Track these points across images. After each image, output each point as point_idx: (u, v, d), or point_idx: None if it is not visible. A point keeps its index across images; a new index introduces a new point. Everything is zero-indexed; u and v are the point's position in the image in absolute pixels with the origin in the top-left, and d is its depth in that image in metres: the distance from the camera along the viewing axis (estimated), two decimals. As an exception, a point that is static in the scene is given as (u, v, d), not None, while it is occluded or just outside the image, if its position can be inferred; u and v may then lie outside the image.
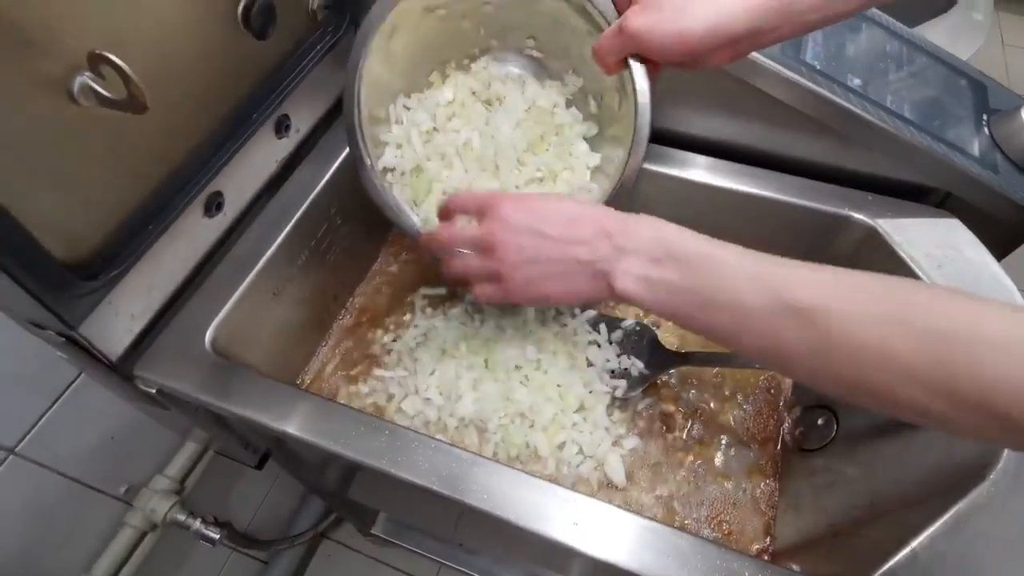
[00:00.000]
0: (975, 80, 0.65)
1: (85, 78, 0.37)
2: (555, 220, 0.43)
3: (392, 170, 0.58)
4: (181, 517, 0.82)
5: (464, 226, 0.48)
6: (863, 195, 0.59)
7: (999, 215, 0.58)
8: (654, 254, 0.39)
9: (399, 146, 0.58)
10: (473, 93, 0.60)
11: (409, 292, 0.73)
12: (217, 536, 0.82)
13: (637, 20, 0.42)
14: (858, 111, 0.55)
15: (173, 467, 0.86)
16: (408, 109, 0.59)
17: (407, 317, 0.70)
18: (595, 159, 0.58)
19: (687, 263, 0.38)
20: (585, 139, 0.59)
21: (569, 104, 0.59)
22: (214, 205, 0.54)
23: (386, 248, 0.77)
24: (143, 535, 0.82)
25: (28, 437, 0.68)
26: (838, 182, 0.60)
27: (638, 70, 0.47)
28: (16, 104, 0.35)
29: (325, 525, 1.21)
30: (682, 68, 0.45)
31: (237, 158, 0.54)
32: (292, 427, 0.46)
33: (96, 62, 0.36)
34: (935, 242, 0.55)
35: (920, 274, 0.53)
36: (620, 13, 0.46)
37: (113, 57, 0.35)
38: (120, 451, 0.80)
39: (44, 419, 0.69)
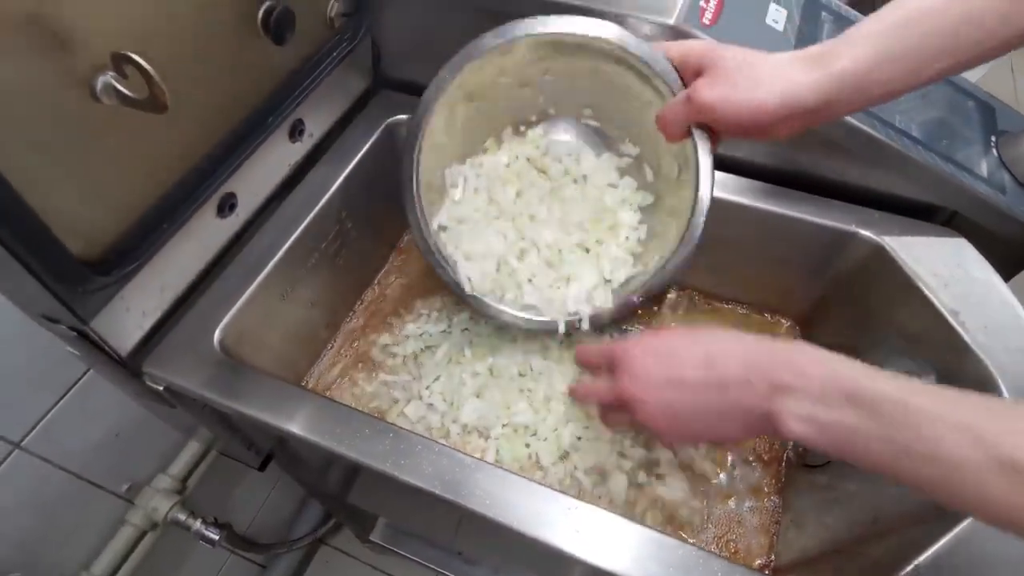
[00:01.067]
0: (983, 102, 0.65)
1: (108, 77, 0.37)
2: (692, 363, 0.39)
3: (445, 229, 0.60)
4: (182, 517, 0.82)
5: (599, 384, 0.46)
6: (871, 212, 0.59)
7: (1006, 235, 0.58)
8: (826, 395, 0.35)
9: (455, 205, 0.60)
10: (528, 160, 0.61)
11: (416, 297, 0.73)
12: (217, 537, 0.82)
13: (709, 92, 0.43)
14: (867, 130, 0.56)
15: (176, 466, 0.86)
16: (464, 173, 0.60)
17: (413, 322, 0.71)
18: (642, 231, 0.59)
19: (873, 409, 0.33)
20: (640, 208, 0.60)
21: (623, 173, 0.60)
22: (227, 206, 0.54)
23: (395, 254, 0.78)
24: (143, 534, 0.82)
25: (34, 432, 0.69)
26: (846, 199, 0.61)
27: (702, 141, 0.48)
28: (41, 102, 0.36)
29: (324, 531, 1.20)
30: (746, 137, 0.45)
31: (251, 160, 0.55)
32: (296, 427, 0.47)
33: (119, 62, 0.37)
34: (942, 261, 0.55)
35: (927, 292, 0.53)
36: (686, 83, 0.47)
37: (136, 57, 0.36)
38: (124, 449, 0.80)
39: (50, 415, 0.69)
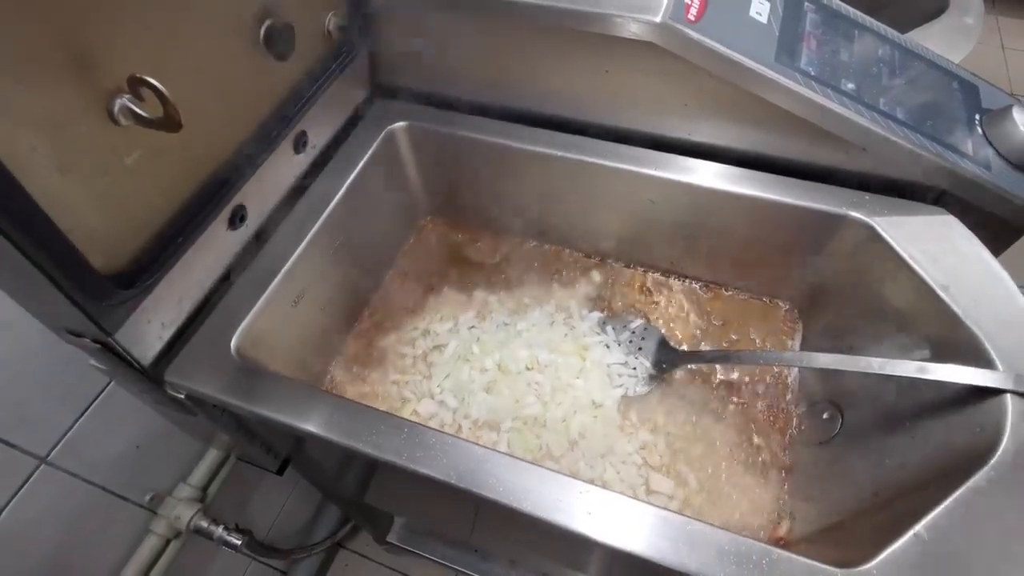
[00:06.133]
0: (967, 82, 0.67)
1: (125, 100, 0.40)
2: None
3: None
4: (204, 524, 0.84)
5: None
6: (860, 195, 0.61)
7: (994, 211, 0.59)
8: None
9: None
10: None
11: (423, 298, 0.75)
12: (239, 542, 0.84)
13: None
14: (852, 115, 0.58)
15: (196, 475, 0.88)
16: None
17: (422, 322, 0.73)
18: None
19: None
20: None
21: None
22: (238, 218, 0.56)
23: (401, 256, 0.80)
24: (167, 542, 0.84)
25: (59, 447, 0.71)
26: (836, 183, 0.62)
27: None
28: (65, 127, 0.38)
29: (342, 535, 1.22)
30: None
31: (259, 173, 0.57)
32: (314, 426, 0.49)
33: (136, 84, 0.39)
34: (932, 238, 0.57)
35: (917, 269, 0.55)
36: None
37: (152, 80, 0.38)
38: (145, 460, 0.82)
39: (74, 429, 0.71)
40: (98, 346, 0.47)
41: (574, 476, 0.60)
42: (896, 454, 0.52)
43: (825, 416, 0.59)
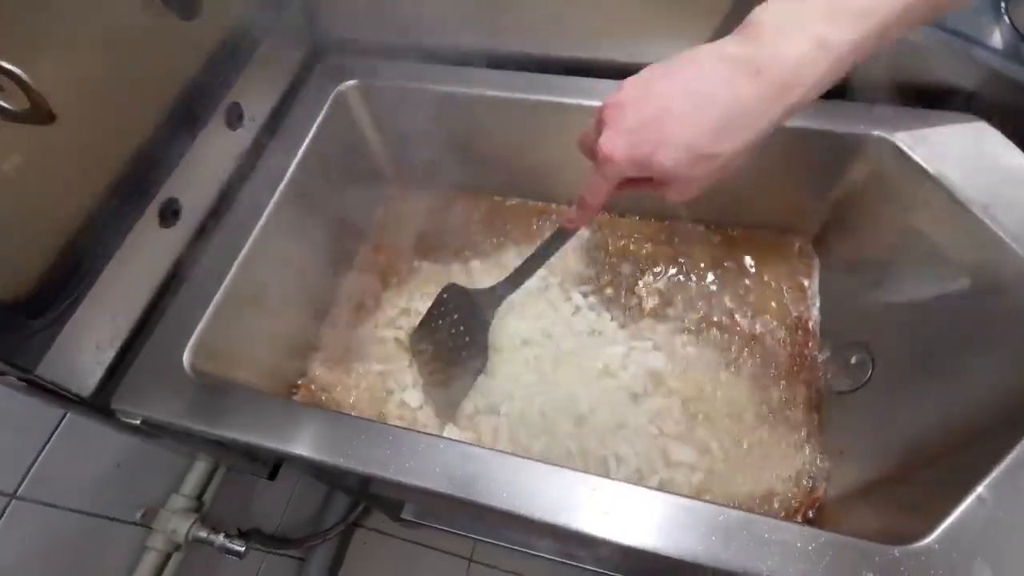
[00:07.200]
0: (989, -38, 0.58)
1: (-21, 91, 0.32)
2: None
3: None
4: (203, 534, 0.80)
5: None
6: (879, 109, 0.54)
7: (1032, 111, 0.52)
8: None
9: None
10: None
11: (400, 274, 0.68)
12: (243, 548, 0.80)
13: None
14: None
15: (188, 485, 0.83)
16: None
17: (401, 299, 0.66)
18: None
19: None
20: None
21: None
22: (170, 213, 0.49)
23: (371, 231, 0.73)
24: (168, 556, 0.81)
25: (27, 479, 0.65)
26: (848, 98, 0.55)
27: None
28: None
29: (355, 515, 1.20)
30: None
31: (187, 158, 0.49)
32: (290, 446, 0.43)
33: (-12, 71, 0.31)
34: (965, 151, 0.50)
35: (951, 189, 0.48)
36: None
37: (5, 63, 0.30)
38: (130, 477, 0.77)
39: (41, 458, 0.66)
40: (24, 384, 0.41)
41: (585, 454, 0.55)
42: (940, 399, 0.46)
43: (854, 361, 0.54)
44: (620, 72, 0.57)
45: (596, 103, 0.57)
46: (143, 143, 0.45)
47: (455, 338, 0.58)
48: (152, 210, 0.47)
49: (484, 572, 1.25)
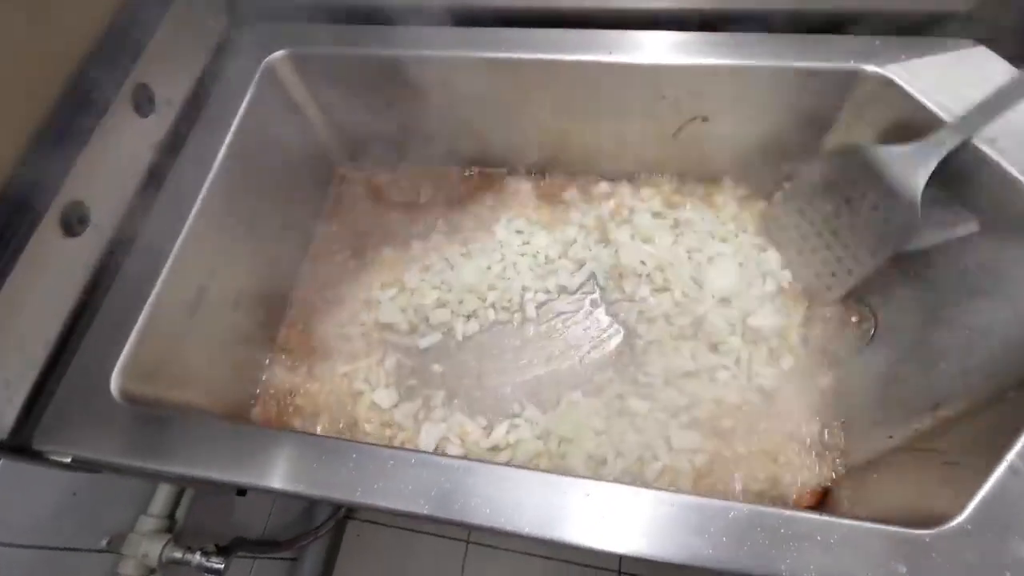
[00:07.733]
0: None
1: None
2: None
3: None
4: (178, 554, 0.75)
5: None
6: (868, 41, 0.48)
7: (1033, 29, 0.48)
8: None
9: None
10: None
11: (358, 262, 0.62)
12: (221, 566, 0.75)
13: None
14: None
15: (156, 504, 0.78)
16: None
17: (361, 291, 0.60)
18: None
19: None
20: None
21: None
22: (76, 219, 0.42)
23: (322, 218, 0.66)
24: (144, 581, 0.76)
25: (-31, 522, 0.59)
26: (835, 32, 0.49)
27: None
28: None
29: (345, 509, 1.16)
30: None
31: (89, 153, 0.42)
32: (243, 476, 0.38)
33: None
34: (965, 80, 0.45)
35: (950, 121, 0.43)
36: None
37: None
38: (89, 503, 0.72)
39: (-19, 499, 0.60)
40: (-82, 434, 0.35)
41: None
42: (952, 355, 0.43)
43: (854, 320, 0.50)
44: (601, 18, 0.52)
45: (565, 56, 0.51)
46: (29, 139, 0.38)
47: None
48: (52, 217, 0.40)
49: (482, 552, 1.23)
